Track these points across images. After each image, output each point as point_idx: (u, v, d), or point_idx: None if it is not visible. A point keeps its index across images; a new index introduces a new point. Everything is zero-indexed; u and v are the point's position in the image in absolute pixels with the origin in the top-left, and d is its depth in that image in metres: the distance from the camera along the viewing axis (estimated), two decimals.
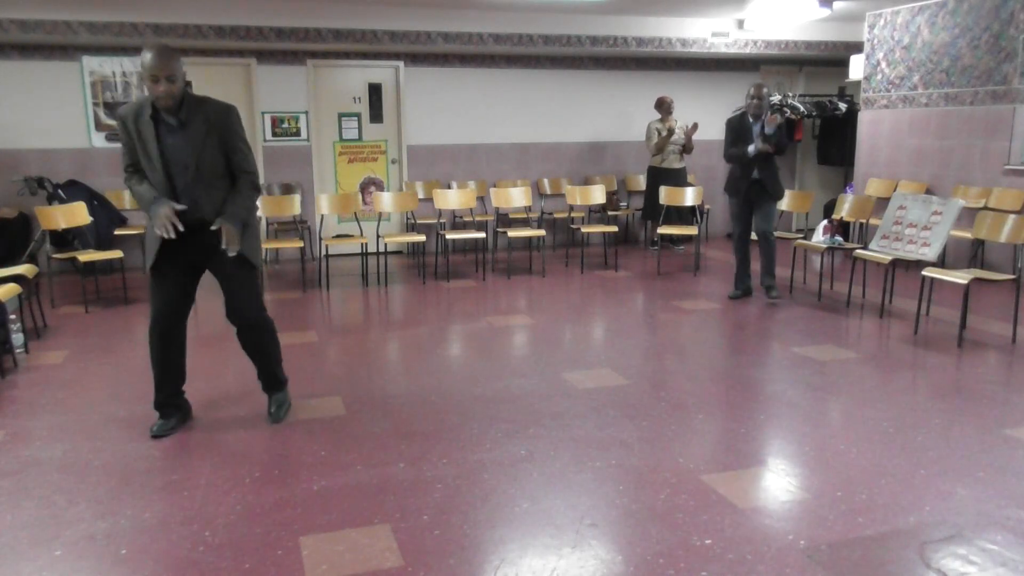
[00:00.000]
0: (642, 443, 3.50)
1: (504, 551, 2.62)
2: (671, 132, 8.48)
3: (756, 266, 6.49)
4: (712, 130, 9.66)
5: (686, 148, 8.56)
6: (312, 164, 8.58)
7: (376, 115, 8.77)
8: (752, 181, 6.10)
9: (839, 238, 6.95)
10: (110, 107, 7.90)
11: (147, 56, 3.22)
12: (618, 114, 9.50)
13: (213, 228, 3.41)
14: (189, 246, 3.45)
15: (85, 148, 7.91)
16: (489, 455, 3.38)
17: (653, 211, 8.64)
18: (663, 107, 8.59)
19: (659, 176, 8.55)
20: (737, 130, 6.13)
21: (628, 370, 4.58)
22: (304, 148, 8.55)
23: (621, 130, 9.53)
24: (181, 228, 3.35)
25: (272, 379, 3.86)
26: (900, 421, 3.74)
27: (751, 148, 5.97)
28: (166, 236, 3.31)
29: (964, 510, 2.87)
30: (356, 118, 8.72)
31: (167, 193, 3.40)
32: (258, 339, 3.74)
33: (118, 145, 8.22)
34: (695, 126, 8.39)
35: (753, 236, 6.27)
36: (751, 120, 6.08)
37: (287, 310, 6.26)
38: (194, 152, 3.38)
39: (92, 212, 6.74)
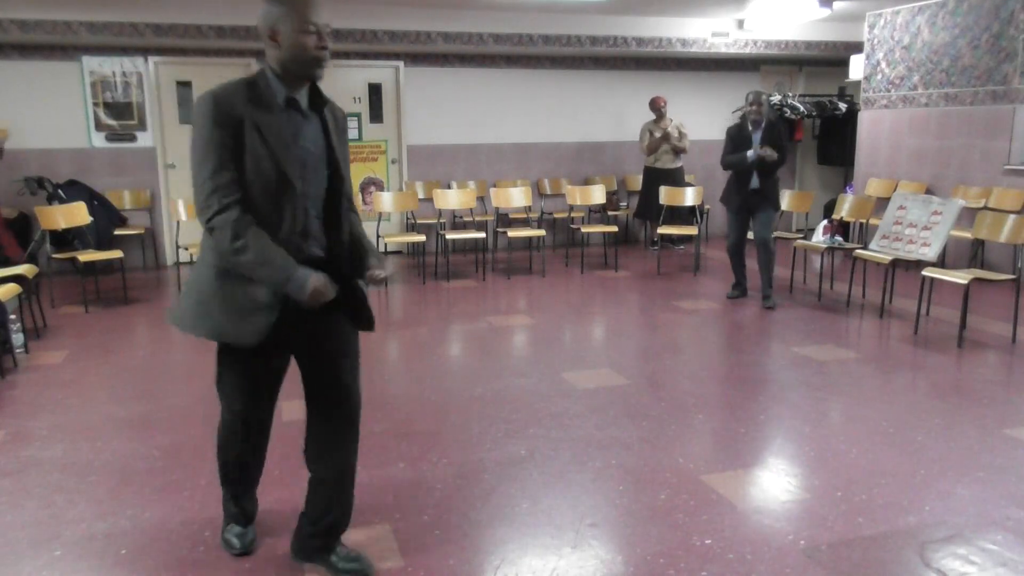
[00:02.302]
0: (642, 443, 3.50)
1: (504, 551, 2.62)
2: (666, 136, 8.50)
3: (752, 264, 6.48)
4: (712, 130, 9.66)
5: (676, 149, 8.57)
6: None
7: (376, 115, 8.77)
8: (751, 191, 6.05)
9: (839, 238, 6.94)
10: (110, 107, 7.90)
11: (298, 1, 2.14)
12: (618, 114, 9.49)
13: (376, 277, 2.29)
14: (309, 311, 2.22)
15: (85, 148, 7.90)
16: (489, 455, 3.38)
17: (646, 210, 8.70)
18: (656, 108, 8.60)
19: (654, 176, 8.58)
20: (736, 139, 6.09)
21: (628, 370, 4.58)
22: None
23: (621, 130, 9.53)
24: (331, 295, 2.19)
25: (348, 517, 2.51)
26: (900, 421, 3.74)
27: (750, 153, 5.93)
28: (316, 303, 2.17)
29: (964, 510, 2.87)
30: (356, 118, 8.71)
31: (298, 221, 2.20)
32: (355, 442, 2.45)
33: (118, 145, 8.34)
34: (665, 136, 8.49)
35: (750, 236, 6.26)
36: (750, 128, 6.05)
37: None
38: (337, 156, 2.27)
39: (92, 212, 6.74)
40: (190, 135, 2.15)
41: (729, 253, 6.44)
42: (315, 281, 2.13)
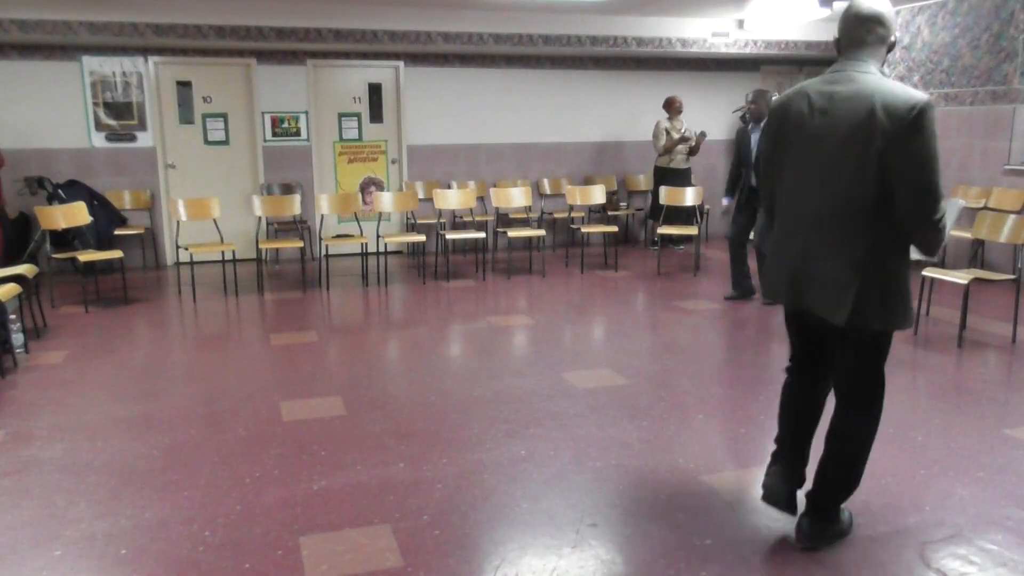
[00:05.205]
0: (642, 443, 3.50)
1: (504, 551, 2.62)
2: (685, 139, 8.51)
3: (753, 263, 6.48)
4: (712, 130, 9.65)
5: (692, 151, 8.58)
6: (312, 164, 8.58)
7: (376, 115, 8.77)
8: (752, 188, 6.03)
9: None
10: (110, 107, 7.90)
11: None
12: (618, 114, 9.49)
13: None
14: None
15: (85, 148, 7.90)
16: (489, 455, 3.38)
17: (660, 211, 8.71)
18: (672, 108, 8.60)
19: (666, 176, 8.55)
20: (739, 144, 6.26)
21: (628, 370, 4.58)
22: (304, 148, 8.54)
23: (621, 130, 9.53)
24: None
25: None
26: (900, 421, 3.74)
27: (725, 200, 6.48)
28: None
29: (964, 510, 2.87)
30: (356, 118, 8.72)
31: None
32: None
33: (118, 145, 8.35)
34: (703, 135, 8.45)
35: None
36: (750, 129, 6.09)
37: (287, 310, 6.26)
38: None
39: (92, 212, 6.74)
40: (922, 142, 2.36)
41: (730, 246, 6.36)
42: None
